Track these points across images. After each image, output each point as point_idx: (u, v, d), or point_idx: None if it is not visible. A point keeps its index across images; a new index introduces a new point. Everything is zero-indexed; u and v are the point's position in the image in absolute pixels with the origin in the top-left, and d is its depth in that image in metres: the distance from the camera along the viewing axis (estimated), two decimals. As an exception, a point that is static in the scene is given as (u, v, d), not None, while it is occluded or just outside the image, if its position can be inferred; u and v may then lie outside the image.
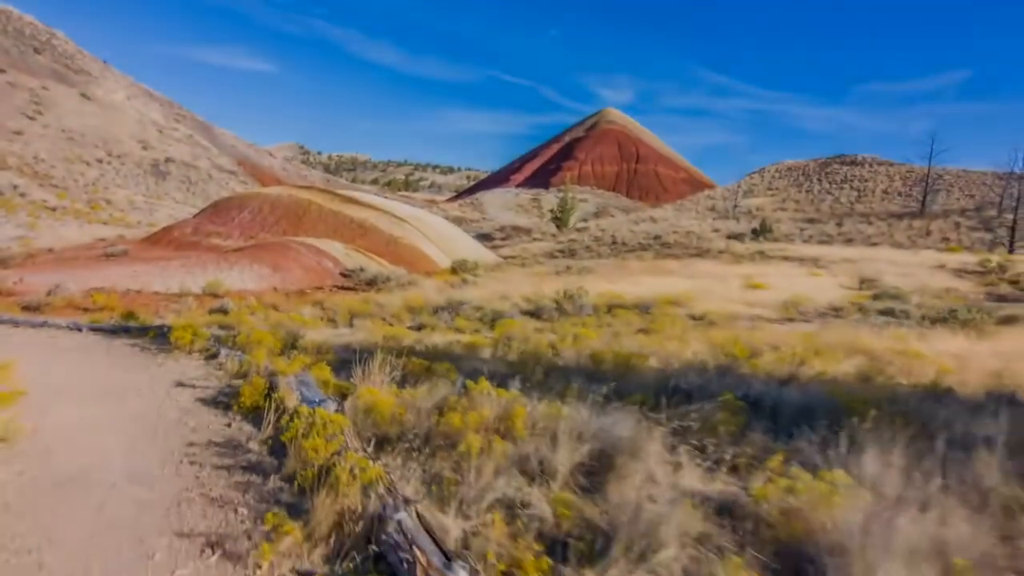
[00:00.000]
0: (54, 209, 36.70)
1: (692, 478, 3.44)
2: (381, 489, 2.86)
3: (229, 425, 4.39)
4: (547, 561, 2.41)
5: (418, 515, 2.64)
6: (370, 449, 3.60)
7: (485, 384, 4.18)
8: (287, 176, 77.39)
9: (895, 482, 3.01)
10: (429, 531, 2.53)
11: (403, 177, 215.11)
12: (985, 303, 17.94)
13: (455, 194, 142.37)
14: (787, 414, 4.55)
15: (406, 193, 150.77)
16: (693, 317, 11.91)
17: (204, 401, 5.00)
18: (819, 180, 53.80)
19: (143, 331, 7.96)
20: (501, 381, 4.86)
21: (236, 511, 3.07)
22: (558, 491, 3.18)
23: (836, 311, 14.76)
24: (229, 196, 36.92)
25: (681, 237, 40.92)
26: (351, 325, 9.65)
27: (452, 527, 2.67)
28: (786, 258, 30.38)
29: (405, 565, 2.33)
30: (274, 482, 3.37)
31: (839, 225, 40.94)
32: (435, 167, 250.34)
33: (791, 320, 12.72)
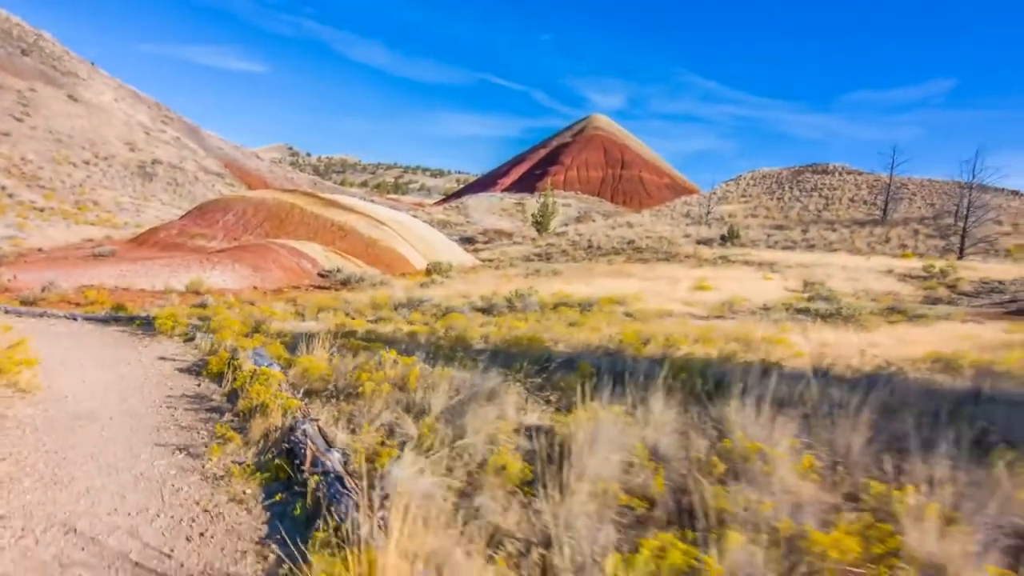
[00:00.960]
0: (42, 210, 37.57)
1: (531, 415, 4.79)
2: (297, 414, 4.19)
3: (199, 385, 5.70)
4: (396, 451, 3.75)
5: (318, 427, 3.98)
6: (299, 395, 4.93)
7: (394, 353, 5.52)
8: (273, 178, 78.34)
9: (657, 412, 4.38)
10: (323, 435, 3.87)
11: (392, 180, 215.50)
12: (911, 304, 19.55)
13: (443, 197, 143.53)
14: (630, 378, 5.91)
15: (394, 196, 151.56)
16: (628, 314, 13.31)
17: (181, 370, 6.31)
18: (790, 188, 55.69)
19: (131, 320, 9.21)
20: (407, 352, 6.20)
21: (199, 432, 4.39)
22: (429, 420, 4.52)
23: (766, 310, 16.23)
24: (214, 199, 37.96)
25: (653, 242, 42.48)
26: (316, 318, 10.94)
27: (341, 436, 4.01)
28: (747, 263, 31.97)
29: (302, 450, 3.66)
30: (227, 416, 4.69)
31: (804, 232, 42.69)
32: (425, 170, 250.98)
33: (719, 317, 14.16)
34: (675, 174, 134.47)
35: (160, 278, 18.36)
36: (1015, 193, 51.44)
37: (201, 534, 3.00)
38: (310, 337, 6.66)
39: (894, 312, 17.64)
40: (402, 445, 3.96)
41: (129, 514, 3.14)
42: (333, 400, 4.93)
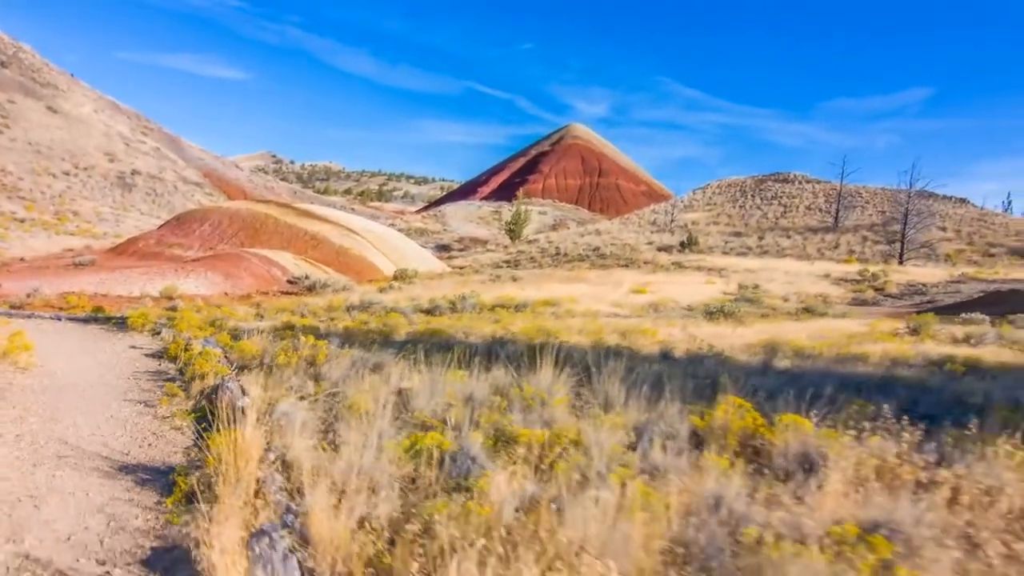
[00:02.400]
0: (23, 221, 38.60)
1: (406, 381, 6.46)
2: (225, 377, 5.84)
3: (159, 364, 7.31)
4: (292, 399, 5.39)
5: (239, 385, 5.63)
6: (234, 368, 6.57)
7: (311, 339, 7.18)
8: (253, 188, 79.52)
9: (491, 375, 6.08)
10: (242, 389, 5.52)
11: (376, 187, 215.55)
12: (825, 305, 21.55)
13: (425, 205, 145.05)
14: (502, 356, 7.62)
15: (377, 204, 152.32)
16: (555, 314, 15.05)
17: (147, 355, 7.91)
18: (752, 196, 58.10)
19: (108, 319, 10.74)
20: (340, 344, 7.86)
21: (155, 393, 6.02)
22: (324, 384, 6.17)
23: (689, 309, 18.09)
24: (192, 210, 39.25)
25: (617, 249, 44.44)
26: (273, 318, 12.53)
27: (256, 391, 5.65)
28: (699, 268, 33.97)
29: (224, 397, 5.30)
30: (177, 383, 6.32)
31: (760, 238, 44.93)
32: (409, 177, 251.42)
33: (638, 316, 15.97)
34: (652, 181, 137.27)
35: (137, 285, 19.79)
36: (962, 201, 54.27)
37: (150, 444, 4.64)
38: (256, 330, 8.31)
39: (806, 311, 19.62)
40: (301, 399, 5.62)
41: (103, 435, 4.77)
42: (259, 371, 6.57)
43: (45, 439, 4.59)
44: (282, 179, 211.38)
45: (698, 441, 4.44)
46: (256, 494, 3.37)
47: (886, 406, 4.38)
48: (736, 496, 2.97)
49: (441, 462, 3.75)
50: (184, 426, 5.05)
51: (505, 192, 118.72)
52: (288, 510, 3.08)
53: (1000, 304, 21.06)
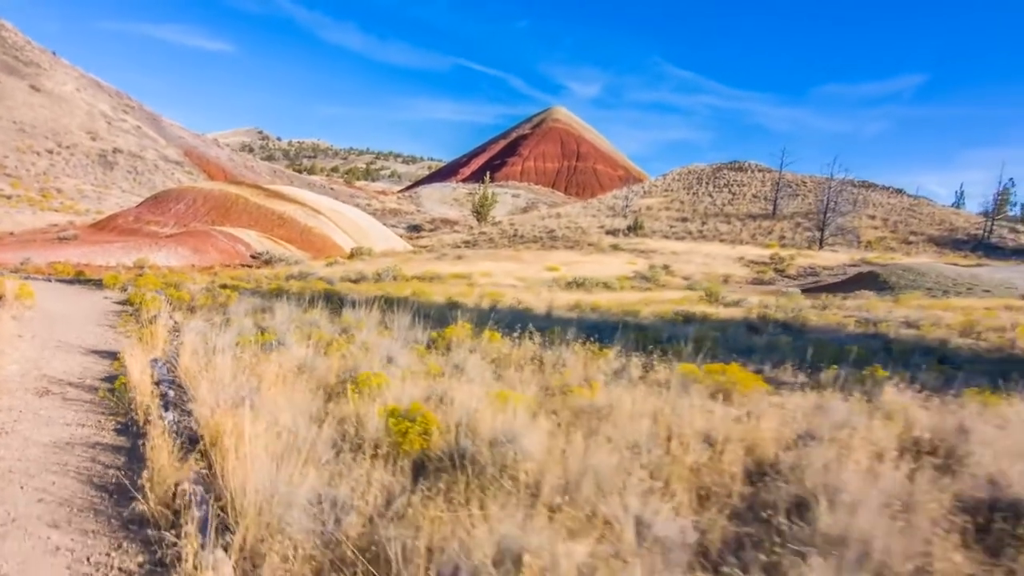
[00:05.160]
0: (9, 197, 41.17)
1: (282, 313, 9.76)
2: (162, 310, 9.13)
3: (123, 307, 10.57)
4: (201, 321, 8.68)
5: (170, 315, 8.92)
6: (171, 307, 9.84)
7: (230, 291, 10.46)
8: (233, 167, 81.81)
9: (341, 314, 9.39)
10: (172, 317, 8.81)
11: (364, 166, 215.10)
12: (735, 284, 25.03)
13: (410, 184, 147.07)
14: (355, 303, 10.93)
15: (362, 183, 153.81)
16: (459, 284, 18.37)
17: (115, 303, 11.16)
18: (707, 184, 61.53)
19: (88, 281, 13.90)
20: (264, 299, 11.16)
21: (116, 320, 9.30)
22: (229, 316, 9.45)
23: (578, 284, 21.50)
24: (168, 189, 41.99)
25: (570, 232, 47.73)
26: (223, 283, 15.73)
27: (180, 317, 8.95)
28: (633, 250, 37.38)
29: (167, 319, 8.58)
30: (132, 316, 9.59)
31: (703, 224, 48.42)
32: (397, 156, 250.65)
33: (527, 287, 19.32)
34: (631, 166, 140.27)
35: (115, 257, 22.84)
36: (898, 191, 58.05)
37: (108, 342, 7.92)
38: (201, 289, 11.55)
39: (652, 286, 23.01)
40: (207, 321, 8.90)
41: (81, 339, 8.04)
42: (188, 310, 9.85)
43: (47, 339, 7.85)
44: (268, 156, 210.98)
45: (431, 345, 7.82)
46: (161, 352, 6.67)
47: (571, 331, 7.82)
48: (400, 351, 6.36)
49: (270, 347, 7.04)
50: (131, 334, 8.33)
51: (485, 174, 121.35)
52: (171, 356, 6.39)
53: (859, 283, 24.74)
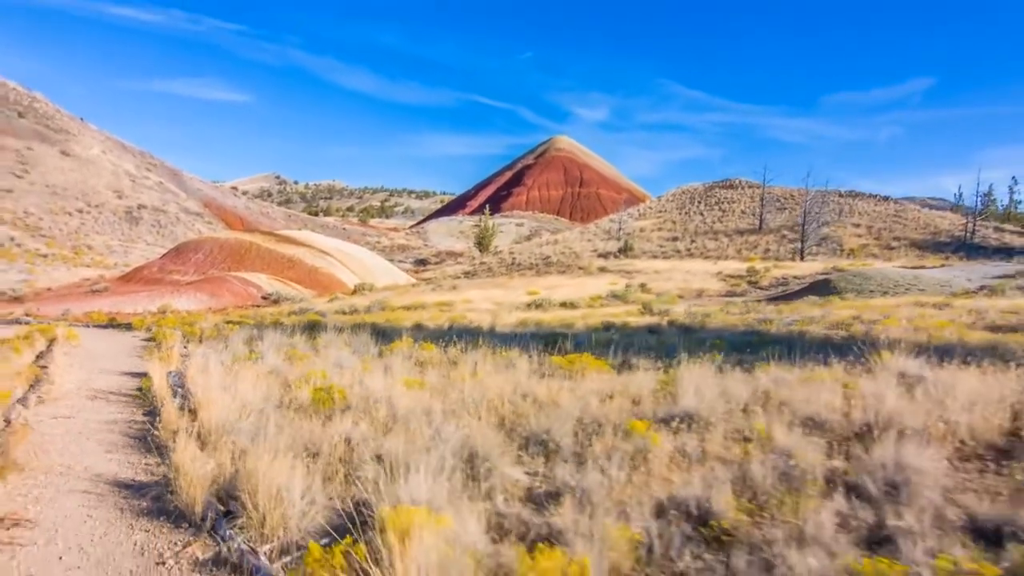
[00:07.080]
0: (45, 256, 44.93)
1: (268, 339, 12.26)
2: (178, 343, 11.68)
3: (148, 343, 13.18)
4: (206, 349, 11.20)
5: (184, 345, 11.47)
6: (186, 341, 12.41)
7: (234, 326, 13.01)
8: (249, 214, 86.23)
9: (316, 337, 11.87)
10: (185, 347, 11.36)
11: (379, 203, 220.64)
12: (708, 297, 27.13)
13: (421, 219, 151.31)
14: (331, 329, 13.38)
15: (376, 221, 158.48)
16: (439, 311, 20.79)
17: (142, 340, 13.79)
18: (699, 203, 63.71)
19: (119, 325, 16.60)
20: (260, 330, 13.70)
21: (142, 352, 11.89)
22: (231, 345, 11.95)
23: (562, 305, 23.78)
24: (188, 240, 45.45)
25: (565, 257, 50.12)
26: (234, 321, 18.35)
27: (193, 347, 11.49)
28: (620, 271, 39.58)
29: (181, 348, 11.12)
30: (155, 348, 12.18)
31: (692, 242, 50.48)
32: (411, 192, 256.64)
33: (499, 309, 21.65)
34: (634, 188, 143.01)
35: (142, 304, 25.75)
36: (885, 199, 59.62)
37: (140, 367, 10.46)
38: (211, 325, 14.15)
39: (613, 302, 25.07)
40: (210, 348, 11.42)
41: (117, 366, 10.60)
42: (198, 340, 12.39)
43: (91, 367, 10.41)
44: (286, 200, 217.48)
45: (380, 355, 10.22)
46: (175, 367, 9.16)
47: (495, 341, 10.19)
48: (349, 359, 8.81)
49: (254, 361, 9.49)
50: (154, 359, 10.85)
51: (492, 205, 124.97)
52: (181, 370, 8.87)
53: (812, 290, 26.67)
